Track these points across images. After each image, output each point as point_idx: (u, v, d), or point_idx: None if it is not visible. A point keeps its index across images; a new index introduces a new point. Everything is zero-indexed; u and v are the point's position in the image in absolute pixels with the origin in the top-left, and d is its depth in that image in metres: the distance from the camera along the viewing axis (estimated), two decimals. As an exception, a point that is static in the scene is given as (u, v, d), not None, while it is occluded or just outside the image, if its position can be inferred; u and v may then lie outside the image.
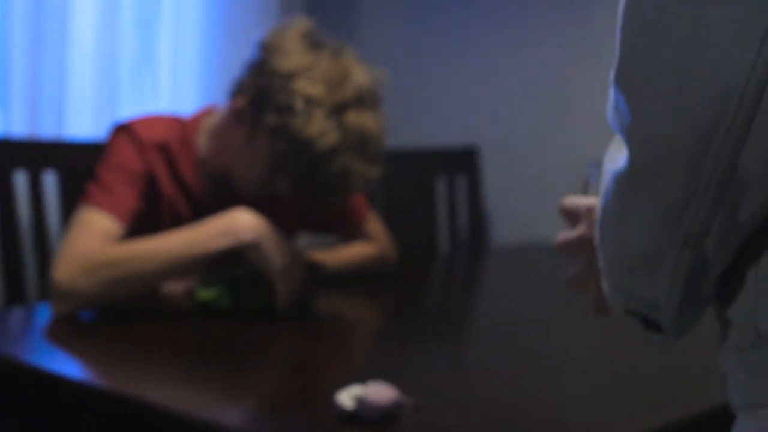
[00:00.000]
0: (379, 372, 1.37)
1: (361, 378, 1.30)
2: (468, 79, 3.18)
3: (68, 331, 1.63)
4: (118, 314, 1.70)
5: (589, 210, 0.95)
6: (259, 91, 1.78)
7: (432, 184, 2.80)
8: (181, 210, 1.89)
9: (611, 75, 0.70)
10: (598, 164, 0.94)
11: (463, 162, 2.90)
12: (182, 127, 1.92)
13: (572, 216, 0.98)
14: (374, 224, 2.18)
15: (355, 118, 1.76)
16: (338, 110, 1.75)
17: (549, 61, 3.02)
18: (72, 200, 2.12)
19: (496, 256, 2.77)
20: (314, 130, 1.73)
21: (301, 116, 1.73)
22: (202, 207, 1.89)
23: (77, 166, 2.18)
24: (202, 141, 1.92)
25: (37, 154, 2.18)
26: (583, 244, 0.94)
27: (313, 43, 1.80)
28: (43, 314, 1.73)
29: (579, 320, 1.85)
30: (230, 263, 1.80)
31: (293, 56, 1.77)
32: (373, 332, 1.84)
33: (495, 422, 1.26)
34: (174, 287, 1.88)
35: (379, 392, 1.22)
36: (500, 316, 1.95)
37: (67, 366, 1.48)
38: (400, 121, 3.25)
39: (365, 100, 1.79)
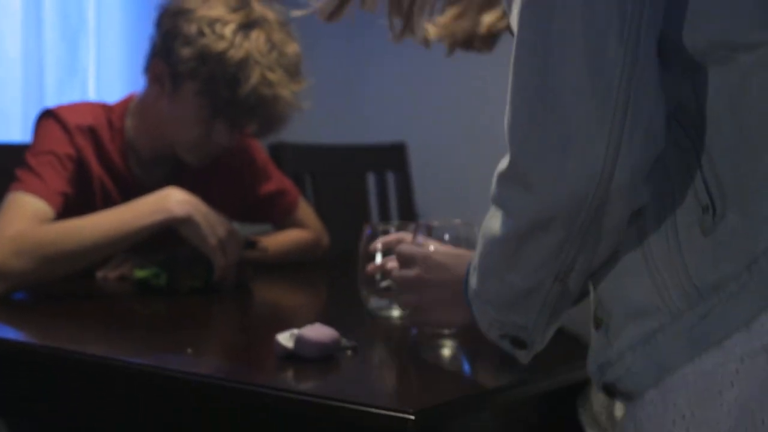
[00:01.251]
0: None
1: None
2: (395, 77, 3.23)
3: (3, 309, 1.62)
4: (51, 295, 1.69)
5: (424, 256, 1.27)
6: (167, 34, 1.84)
7: (363, 180, 2.83)
8: (112, 194, 1.90)
9: (501, 169, 0.97)
10: (424, 223, 1.38)
11: (391, 158, 2.93)
12: (108, 111, 1.93)
13: (407, 259, 1.29)
14: (306, 211, 2.20)
15: (263, 33, 1.83)
16: (245, 27, 1.82)
17: (474, 59, 3.07)
18: None
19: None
20: (223, 44, 1.79)
21: (209, 36, 1.79)
22: (132, 191, 1.89)
23: (5, 166, 2.16)
24: (129, 124, 1.93)
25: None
26: (420, 281, 1.27)
27: None
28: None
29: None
30: (168, 246, 1.80)
31: None
32: (310, 301, 1.86)
33: (433, 368, 1.29)
34: (108, 272, 1.88)
35: (318, 331, 1.24)
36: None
37: (6, 331, 1.47)
38: (328, 118, 3.28)
39: (272, 22, 1.85)
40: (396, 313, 1.48)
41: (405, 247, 1.33)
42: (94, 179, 1.87)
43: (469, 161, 3.09)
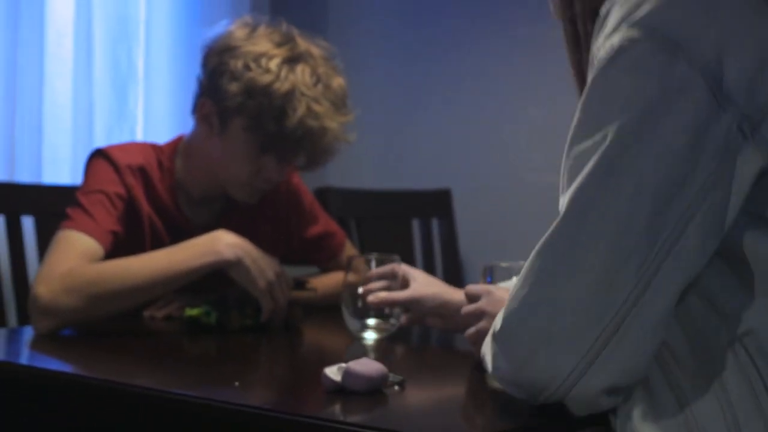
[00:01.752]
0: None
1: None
2: (440, 125, 3.25)
3: (52, 344, 1.63)
4: (99, 332, 1.70)
5: (487, 291, 1.40)
6: (214, 71, 1.86)
7: (407, 226, 2.83)
8: (162, 233, 1.91)
9: (495, 326, 1.04)
10: (494, 264, 1.56)
11: (437, 205, 2.94)
12: (158, 152, 1.95)
13: (474, 296, 1.41)
14: (352, 253, 2.20)
15: (308, 67, 1.85)
16: (290, 61, 1.84)
17: (518, 107, 3.09)
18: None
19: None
20: (269, 77, 1.82)
21: (255, 70, 1.82)
22: (181, 230, 1.91)
23: (55, 207, 2.18)
24: (178, 164, 1.95)
25: (16, 198, 2.19)
26: (482, 313, 1.37)
27: (249, 24, 1.90)
28: (25, 334, 1.73)
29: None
30: (218, 286, 1.81)
31: (234, 33, 1.88)
32: (358, 340, 1.85)
33: (486, 401, 1.28)
34: (155, 311, 1.89)
35: (366, 365, 1.24)
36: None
37: (51, 363, 1.48)
38: (373, 164, 3.30)
39: (316, 56, 1.88)
40: (372, 335, 1.66)
41: (472, 286, 1.44)
42: (143, 218, 1.89)
43: (513, 208, 3.09)
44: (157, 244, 1.87)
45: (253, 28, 1.88)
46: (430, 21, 3.31)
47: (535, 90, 3.07)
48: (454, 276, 2.93)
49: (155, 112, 2.99)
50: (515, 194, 3.09)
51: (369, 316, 1.66)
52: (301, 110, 1.80)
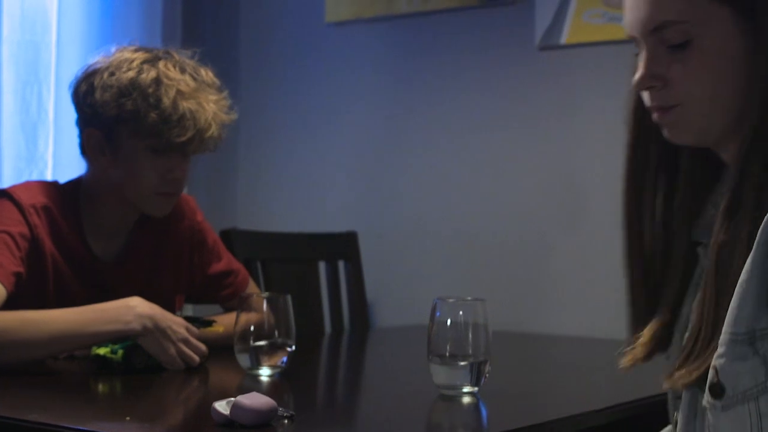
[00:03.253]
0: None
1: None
2: (347, 170, 3.30)
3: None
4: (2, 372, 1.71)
5: None
6: (86, 95, 1.93)
7: (315, 268, 2.88)
8: (65, 271, 1.93)
9: None
10: (442, 299, 1.52)
11: (343, 247, 2.99)
12: (61, 191, 1.98)
13: None
14: (255, 292, 2.23)
15: (170, 63, 1.94)
16: (150, 60, 1.93)
17: (424, 148, 3.16)
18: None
19: (379, 335, 2.86)
20: (133, 72, 1.90)
21: (119, 74, 1.90)
22: (85, 268, 1.93)
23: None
24: (81, 202, 1.98)
25: None
26: None
27: (104, 51, 1.99)
28: None
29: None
30: None
31: (93, 61, 1.98)
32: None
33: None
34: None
35: (254, 398, 1.28)
36: (374, 368, 2.01)
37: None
38: (280, 209, 3.36)
39: (177, 57, 1.97)
40: (265, 371, 1.70)
41: None
42: (47, 258, 1.90)
43: (417, 251, 3.16)
44: (61, 283, 1.89)
45: (108, 52, 1.98)
46: (327, 53, 3.37)
47: (438, 136, 3.15)
48: (361, 317, 2.98)
49: (65, 155, 3.00)
50: (419, 237, 3.16)
51: (261, 353, 1.70)
52: (172, 93, 1.89)
